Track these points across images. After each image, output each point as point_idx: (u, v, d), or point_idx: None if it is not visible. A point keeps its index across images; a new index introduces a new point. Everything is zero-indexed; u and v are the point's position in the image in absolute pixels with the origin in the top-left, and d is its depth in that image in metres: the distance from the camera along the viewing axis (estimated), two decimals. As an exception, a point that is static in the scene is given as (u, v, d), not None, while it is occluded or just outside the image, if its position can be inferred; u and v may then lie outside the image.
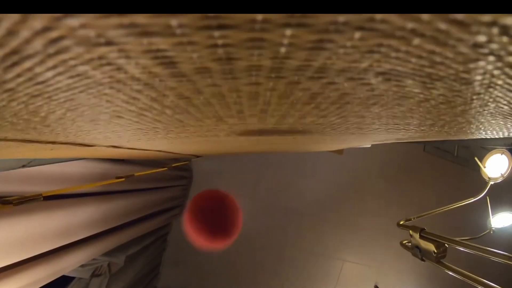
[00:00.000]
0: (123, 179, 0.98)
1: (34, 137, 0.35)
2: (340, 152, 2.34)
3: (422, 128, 0.40)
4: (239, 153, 1.45)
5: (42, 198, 0.64)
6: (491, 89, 0.18)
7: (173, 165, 1.49)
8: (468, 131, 0.41)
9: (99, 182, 0.92)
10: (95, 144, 0.49)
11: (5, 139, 0.34)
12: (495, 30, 0.13)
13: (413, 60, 0.14)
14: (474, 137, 0.48)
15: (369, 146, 1.31)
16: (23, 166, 0.71)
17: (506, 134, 0.43)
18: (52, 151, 0.54)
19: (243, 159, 2.40)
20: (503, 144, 1.07)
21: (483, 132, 0.42)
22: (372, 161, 2.45)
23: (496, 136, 0.45)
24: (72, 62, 0.12)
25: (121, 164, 1.23)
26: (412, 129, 0.41)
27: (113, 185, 1.27)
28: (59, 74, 0.13)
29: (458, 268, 0.66)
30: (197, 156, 1.50)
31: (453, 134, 0.45)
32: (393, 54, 0.13)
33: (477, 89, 0.18)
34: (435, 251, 0.73)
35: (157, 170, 1.28)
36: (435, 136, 0.50)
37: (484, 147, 1.42)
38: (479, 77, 0.16)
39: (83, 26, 0.11)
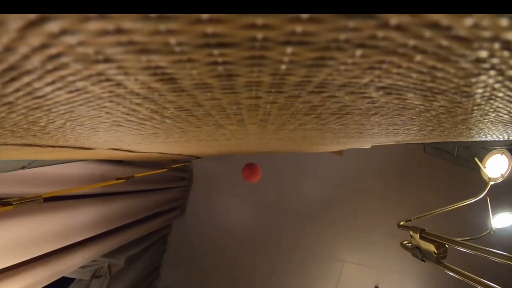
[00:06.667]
0: (123, 181, 0.98)
1: (34, 142, 0.35)
2: (340, 153, 2.34)
3: (422, 133, 0.40)
4: (239, 154, 1.47)
5: (42, 200, 0.64)
6: (491, 101, 0.18)
7: (173, 166, 1.49)
8: (469, 135, 0.41)
9: (99, 183, 0.92)
10: (95, 147, 0.50)
11: (5, 144, 0.34)
12: (496, 45, 0.13)
13: (415, 75, 0.14)
14: (475, 140, 0.49)
15: (369, 147, 1.32)
16: (23, 167, 0.71)
17: (506, 138, 0.43)
18: (52, 153, 0.54)
19: (244, 160, 2.39)
20: (503, 144, 1.07)
21: (483, 137, 0.42)
22: (372, 162, 2.45)
23: (496, 139, 0.46)
24: (71, 78, 0.12)
25: (121, 166, 1.23)
26: (412, 134, 0.41)
27: (113, 186, 1.26)
28: (58, 89, 0.13)
29: (458, 269, 0.66)
30: (197, 157, 1.51)
31: (453, 137, 0.45)
32: (395, 70, 0.13)
33: (478, 101, 0.18)
34: (436, 251, 0.72)
35: (157, 171, 1.28)
36: (435, 139, 0.50)
37: (484, 148, 1.42)
38: (480, 90, 0.16)
39: (81, 43, 0.11)
